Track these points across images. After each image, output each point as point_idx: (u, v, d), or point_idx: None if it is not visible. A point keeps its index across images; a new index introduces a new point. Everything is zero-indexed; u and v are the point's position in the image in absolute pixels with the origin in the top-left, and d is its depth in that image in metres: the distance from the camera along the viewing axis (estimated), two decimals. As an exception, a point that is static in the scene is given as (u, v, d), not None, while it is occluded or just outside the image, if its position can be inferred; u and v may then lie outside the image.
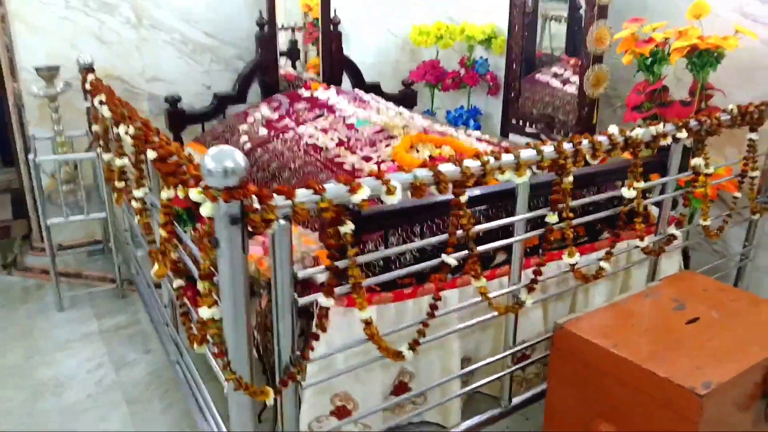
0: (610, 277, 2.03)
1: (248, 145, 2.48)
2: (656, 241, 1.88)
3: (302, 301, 1.20)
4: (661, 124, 1.65)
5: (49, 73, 2.51)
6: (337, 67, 3.23)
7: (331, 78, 3.22)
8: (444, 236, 1.45)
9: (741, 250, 2.30)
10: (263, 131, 2.59)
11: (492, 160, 1.36)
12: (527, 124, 2.96)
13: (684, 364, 1.32)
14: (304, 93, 2.93)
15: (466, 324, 1.61)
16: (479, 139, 2.45)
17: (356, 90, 3.11)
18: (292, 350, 1.22)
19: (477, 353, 1.86)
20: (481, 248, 1.45)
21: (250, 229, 1.07)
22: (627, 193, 1.62)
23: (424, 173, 1.26)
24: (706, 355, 1.37)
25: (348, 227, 1.18)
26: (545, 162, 1.44)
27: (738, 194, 2.03)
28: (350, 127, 2.46)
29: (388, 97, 3.45)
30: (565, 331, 1.50)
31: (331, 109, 2.72)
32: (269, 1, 2.96)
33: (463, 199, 1.33)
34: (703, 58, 2.12)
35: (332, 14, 3.15)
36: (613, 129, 1.59)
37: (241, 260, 1.07)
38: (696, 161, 1.81)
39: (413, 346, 1.37)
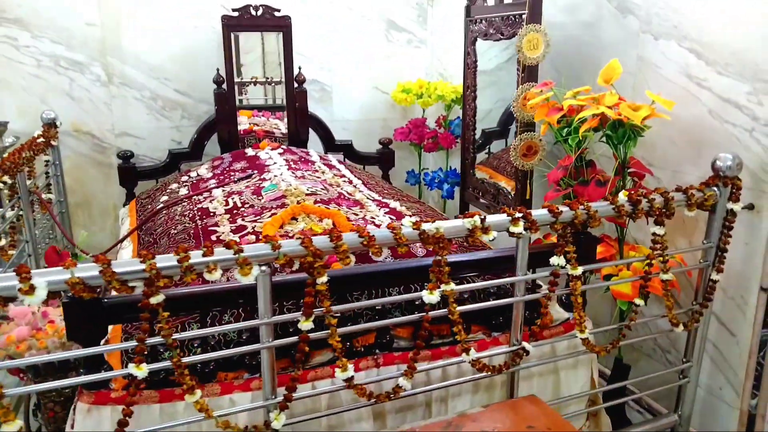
0: (478, 386, 1.70)
1: (160, 206, 2.43)
2: (511, 351, 1.54)
3: None
4: (476, 217, 1.35)
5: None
6: (302, 125, 3.13)
7: (297, 137, 3.13)
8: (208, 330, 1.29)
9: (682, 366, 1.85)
10: (183, 191, 2.54)
11: (199, 257, 1.16)
12: (480, 194, 2.66)
13: None
14: (249, 152, 2.86)
15: None
16: (393, 212, 2.21)
17: (310, 151, 2.98)
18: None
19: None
20: (193, 358, 1.25)
21: None
22: (427, 297, 1.34)
23: (86, 272, 1.10)
24: None
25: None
26: (281, 259, 1.21)
27: (639, 301, 1.63)
28: (257, 191, 2.33)
29: (362, 158, 3.30)
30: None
31: (262, 170, 2.61)
32: (227, 59, 2.94)
33: (156, 300, 1.14)
34: (619, 131, 1.76)
35: (296, 71, 3.07)
36: (405, 221, 1.33)
37: None
38: (554, 260, 1.47)
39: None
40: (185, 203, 2.37)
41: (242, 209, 2.18)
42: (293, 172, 2.58)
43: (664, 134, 1.97)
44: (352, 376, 1.32)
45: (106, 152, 3.13)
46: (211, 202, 2.29)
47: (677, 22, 1.89)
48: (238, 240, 1.95)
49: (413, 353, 1.38)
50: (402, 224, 1.32)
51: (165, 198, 2.53)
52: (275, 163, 2.70)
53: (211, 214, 2.18)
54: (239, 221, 2.08)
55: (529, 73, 2.12)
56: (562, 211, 1.43)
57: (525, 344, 1.51)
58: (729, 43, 1.73)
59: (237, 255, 1.18)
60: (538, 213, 1.42)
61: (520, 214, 1.40)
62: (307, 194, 2.25)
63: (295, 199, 2.19)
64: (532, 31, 2.06)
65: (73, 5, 2.95)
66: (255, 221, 2.06)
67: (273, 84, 3.12)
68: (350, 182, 2.61)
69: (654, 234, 1.57)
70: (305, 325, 1.26)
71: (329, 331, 1.28)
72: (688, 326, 1.70)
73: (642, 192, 1.55)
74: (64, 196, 3.04)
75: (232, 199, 2.29)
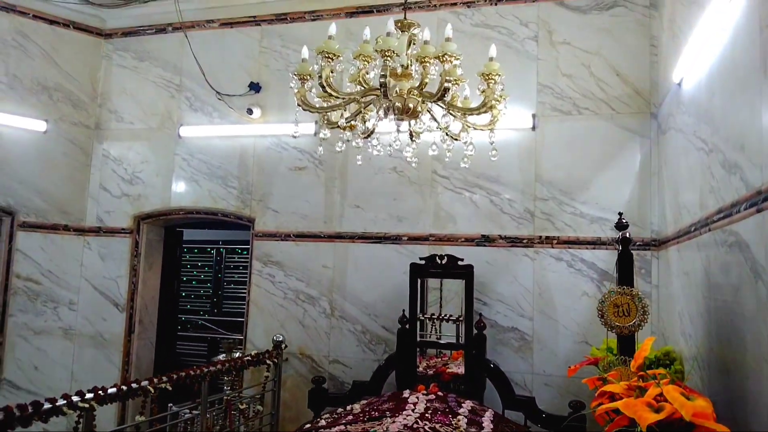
0: None
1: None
2: None
3: None
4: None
5: (228, 345, 3.32)
6: (478, 373, 2.98)
7: (471, 384, 2.99)
8: None
9: None
10: (323, 423, 2.67)
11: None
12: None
13: None
14: (405, 394, 2.84)
15: None
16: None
17: (465, 403, 2.78)
18: None
19: None
20: None
21: None
22: None
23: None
24: None
25: None
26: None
27: None
28: (362, 435, 2.31)
29: (547, 420, 2.92)
30: None
31: (396, 415, 2.58)
32: (412, 301, 3.13)
33: None
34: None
35: (476, 318, 3.03)
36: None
37: None
38: None
39: None
40: (305, 435, 2.50)
41: (328, 451, 2.20)
42: (417, 422, 2.47)
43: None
44: None
45: (319, 375, 3.52)
46: (312, 437, 2.37)
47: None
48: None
49: None
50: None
51: (307, 426, 2.70)
52: (414, 409, 2.63)
53: (302, 451, 2.25)
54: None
55: (622, 343, 1.71)
56: None
57: None
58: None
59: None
60: None
61: None
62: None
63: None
64: (618, 294, 1.70)
65: (317, 253, 3.65)
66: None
67: (454, 322, 3.14)
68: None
69: None
70: None
71: None
72: None
73: None
74: (276, 409, 3.49)
75: (339, 440, 2.32)
